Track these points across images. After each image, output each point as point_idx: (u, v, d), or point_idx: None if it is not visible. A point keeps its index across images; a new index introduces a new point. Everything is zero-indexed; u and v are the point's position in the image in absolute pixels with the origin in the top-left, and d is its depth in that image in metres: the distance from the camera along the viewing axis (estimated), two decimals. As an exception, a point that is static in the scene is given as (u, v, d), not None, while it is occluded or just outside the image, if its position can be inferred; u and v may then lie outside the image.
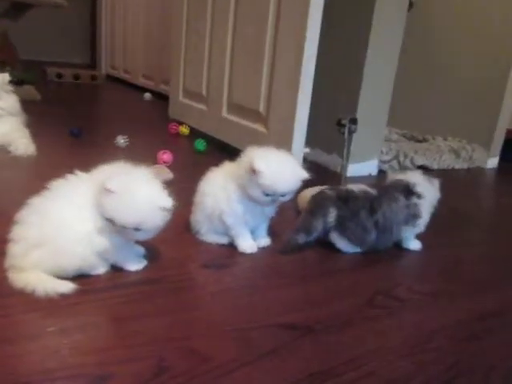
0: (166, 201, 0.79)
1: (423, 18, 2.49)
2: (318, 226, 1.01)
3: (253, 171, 0.90)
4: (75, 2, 4.13)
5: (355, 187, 1.06)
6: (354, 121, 1.59)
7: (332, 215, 1.01)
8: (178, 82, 2.30)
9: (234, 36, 1.83)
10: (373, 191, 1.05)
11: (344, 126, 1.57)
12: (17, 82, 1.71)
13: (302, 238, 1.01)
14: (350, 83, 1.71)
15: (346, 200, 1.02)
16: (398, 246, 1.10)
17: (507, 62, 2.17)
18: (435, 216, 1.10)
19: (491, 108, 2.25)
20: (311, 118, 1.60)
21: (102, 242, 0.80)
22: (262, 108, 1.66)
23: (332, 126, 1.71)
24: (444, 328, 0.80)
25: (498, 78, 2.21)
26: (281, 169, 0.92)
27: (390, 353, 0.70)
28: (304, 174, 0.94)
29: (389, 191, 1.06)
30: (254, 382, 0.60)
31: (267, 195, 0.92)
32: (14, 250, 0.77)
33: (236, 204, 0.96)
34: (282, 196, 0.93)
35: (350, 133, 1.59)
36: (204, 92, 2.07)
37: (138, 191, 0.78)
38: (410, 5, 2.38)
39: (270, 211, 1.01)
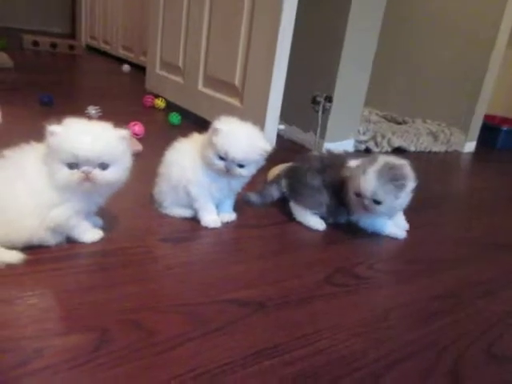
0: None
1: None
2: (272, 190, 1.10)
3: (211, 131, 0.90)
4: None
5: (317, 153, 1.10)
6: (329, 98, 1.57)
7: (284, 183, 1.09)
8: (155, 53, 2.24)
9: (212, 8, 1.77)
10: (329, 156, 1.07)
11: (319, 103, 1.54)
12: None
13: (254, 198, 1.11)
14: (328, 61, 1.68)
15: (296, 167, 1.08)
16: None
17: (488, 46, 2.15)
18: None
19: (470, 92, 2.24)
20: (288, 95, 1.57)
21: (58, 216, 0.77)
22: (237, 82, 1.62)
23: (309, 104, 1.68)
24: (400, 306, 0.79)
25: (478, 62, 2.20)
26: (238, 133, 0.91)
27: (343, 330, 0.70)
28: (265, 146, 0.92)
29: (344, 158, 1.03)
30: (198, 359, 0.58)
31: (221, 159, 0.91)
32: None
33: (201, 173, 0.94)
34: (240, 166, 0.91)
35: (325, 110, 1.56)
36: (180, 64, 2.02)
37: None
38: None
39: (236, 185, 0.99)
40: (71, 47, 3.71)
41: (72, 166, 0.74)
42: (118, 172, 0.78)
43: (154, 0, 2.19)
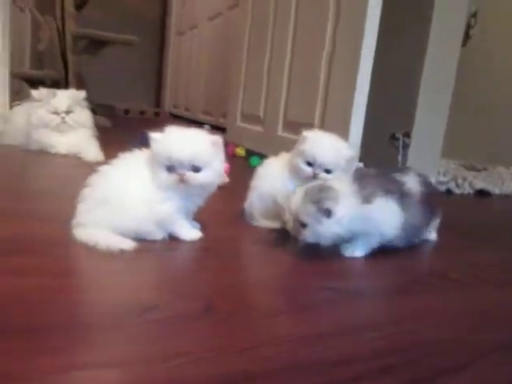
0: None
1: (482, 47, 2.49)
2: None
3: (300, 140, 0.97)
4: (143, 52, 4.48)
5: None
6: (407, 134, 1.59)
7: None
8: (236, 107, 2.41)
9: (293, 56, 1.91)
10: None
11: (398, 139, 1.58)
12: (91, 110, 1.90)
13: None
14: (405, 101, 1.72)
15: None
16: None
17: None
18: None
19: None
20: (366, 136, 1.61)
21: (162, 210, 0.84)
22: (316, 121, 1.71)
23: (387, 144, 1.71)
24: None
25: None
26: (324, 140, 0.98)
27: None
28: (351, 153, 0.98)
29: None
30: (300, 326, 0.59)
31: (308, 165, 0.96)
32: (80, 207, 0.83)
33: (289, 183, 0.99)
34: (327, 172, 0.96)
35: (404, 147, 1.58)
36: (261, 114, 2.15)
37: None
38: (467, 37, 2.40)
39: None
40: (156, 114, 4.09)
41: (170, 168, 0.83)
42: (209, 174, 0.85)
43: (237, 56, 2.40)
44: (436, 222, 1.05)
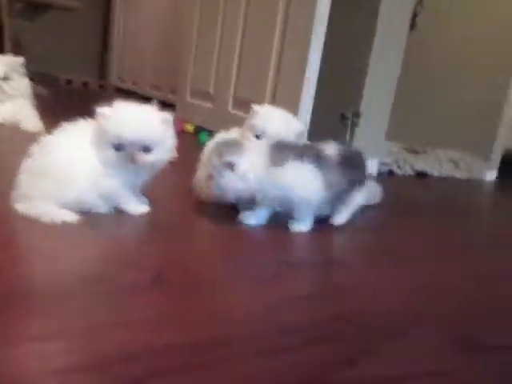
0: None
1: (426, 35, 2.58)
2: None
3: (250, 114, 1.02)
4: (87, 19, 4.25)
5: None
6: (356, 114, 1.64)
7: None
8: (186, 83, 2.36)
9: (244, 37, 1.89)
10: None
11: (347, 118, 1.62)
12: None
13: None
14: (353, 82, 1.76)
15: None
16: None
17: (506, 75, 2.23)
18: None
19: (490, 121, 2.30)
20: (315, 115, 1.64)
21: (106, 184, 0.82)
22: (267, 99, 1.71)
23: (335, 122, 1.75)
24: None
25: (497, 91, 2.27)
26: (274, 114, 1.03)
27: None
28: (300, 126, 1.05)
29: None
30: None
31: (258, 138, 0.99)
32: (22, 180, 0.79)
33: None
34: None
35: (353, 126, 1.63)
36: (212, 90, 2.13)
37: None
38: (414, 24, 2.48)
39: None
40: (101, 86, 3.92)
41: (118, 148, 0.80)
42: (160, 154, 0.83)
43: (187, 30, 2.34)
44: (362, 187, 1.00)
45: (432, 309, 0.68)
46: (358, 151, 1.02)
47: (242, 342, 0.50)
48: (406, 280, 0.78)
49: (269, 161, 0.85)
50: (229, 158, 0.82)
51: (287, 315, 0.58)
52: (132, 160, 0.80)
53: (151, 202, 0.92)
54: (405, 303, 0.68)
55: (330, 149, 0.92)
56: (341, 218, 0.99)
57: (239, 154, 0.83)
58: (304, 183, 0.87)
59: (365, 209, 1.21)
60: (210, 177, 0.85)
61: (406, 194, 1.68)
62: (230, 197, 0.86)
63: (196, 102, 2.29)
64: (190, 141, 1.95)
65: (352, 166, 0.94)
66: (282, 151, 0.87)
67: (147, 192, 0.92)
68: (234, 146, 0.85)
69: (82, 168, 0.80)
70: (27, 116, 1.63)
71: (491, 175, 2.36)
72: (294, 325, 0.55)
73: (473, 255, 1.01)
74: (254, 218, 0.90)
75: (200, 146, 1.12)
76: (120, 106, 0.82)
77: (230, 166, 0.83)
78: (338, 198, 0.94)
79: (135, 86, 4.03)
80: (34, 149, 0.81)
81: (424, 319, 0.64)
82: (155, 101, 0.87)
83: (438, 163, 2.16)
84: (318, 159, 0.88)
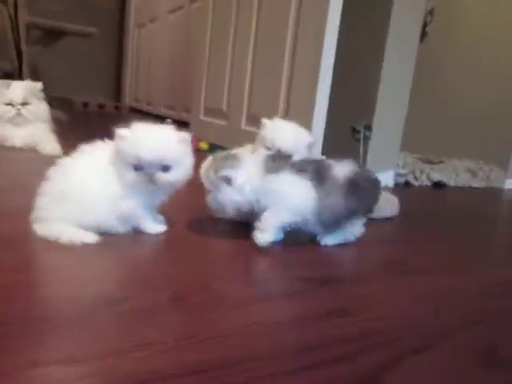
0: None
1: (437, 44, 2.57)
2: None
3: (260, 128, 1.04)
4: (102, 44, 4.36)
5: None
6: (368, 127, 1.63)
7: None
8: (200, 101, 2.40)
9: (255, 54, 1.92)
10: None
11: (359, 132, 1.61)
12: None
13: None
14: (365, 96, 1.76)
15: None
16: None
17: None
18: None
19: (508, 129, 2.27)
20: (328, 130, 1.64)
21: (125, 205, 0.82)
22: (279, 114, 1.72)
23: (347, 136, 1.74)
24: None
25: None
26: (283, 126, 1.04)
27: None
28: (310, 138, 1.05)
29: None
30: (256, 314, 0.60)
31: (268, 149, 1.01)
32: (40, 201, 0.80)
33: None
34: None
35: (365, 139, 1.62)
36: (224, 107, 2.15)
37: None
38: (424, 34, 2.48)
39: None
40: (117, 108, 3.99)
41: (137, 167, 0.81)
42: (178, 173, 0.84)
43: (199, 50, 2.38)
44: (362, 219, 0.94)
45: (455, 321, 0.66)
46: (371, 177, 0.91)
47: (263, 361, 0.49)
48: (428, 293, 0.76)
49: (264, 170, 0.84)
50: (225, 173, 0.82)
51: (308, 332, 0.57)
52: (151, 180, 0.81)
53: (167, 221, 0.93)
54: (427, 316, 0.67)
55: (341, 169, 0.86)
56: (330, 240, 0.92)
57: (235, 167, 0.82)
58: (296, 194, 0.83)
59: (383, 221, 1.21)
60: (208, 191, 0.85)
61: (423, 205, 1.66)
62: (229, 210, 0.86)
63: (209, 119, 2.31)
64: (205, 158, 1.97)
65: (358, 193, 0.86)
66: (279, 162, 0.85)
67: (163, 210, 0.92)
68: (229, 159, 0.84)
69: (100, 190, 0.81)
70: (45, 139, 1.66)
71: (510, 184, 2.32)
72: (316, 342, 0.54)
73: (493, 265, 0.99)
74: (266, 237, 0.86)
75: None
76: (138, 127, 0.84)
77: (227, 180, 0.83)
78: (333, 223, 0.88)
79: (150, 107, 4.11)
80: (53, 171, 0.82)
81: (448, 332, 0.62)
82: (169, 120, 0.88)
83: (455, 173, 2.14)
84: (319, 177, 0.84)
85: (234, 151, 0.87)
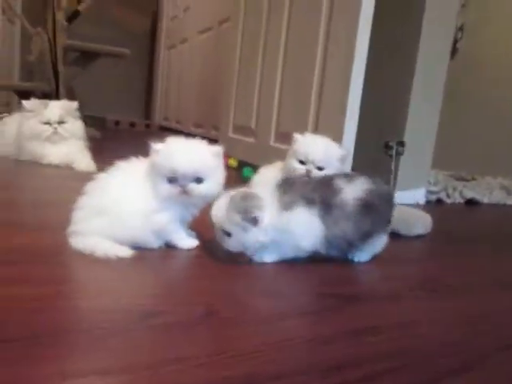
0: None
1: (468, 58, 2.54)
2: None
3: (293, 142, 1.06)
4: (134, 65, 4.49)
5: None
6: (401, 143, 1.61)
7: None
8: (228, 119, 2.43)
9: (284, 70, 1.93)
10: None
11: (391, 148, 1.59)
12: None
13: None
14: (396, 112, 1.75)
15: None
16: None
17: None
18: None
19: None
20: (359, 144, 1.63)
21: (159, 219, 0.84)
22: (309, 131, 1.72)
23: (378, 152, 1.73)
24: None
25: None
26: (315, 139, 1.07)
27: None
28: (341, 151, 1.07)
29: None
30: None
31: (301, 163, 1.03)
32: (77, 216, 0.83)
33: None
34: (319, 169, 1.01)
35: (398, 155, 1.60)
36: (253, 125, 2.17)
37: None
38: (455, 51, 2.46)
39: None
40: (147, 126, 4.08)
41: (171, 180, 0.83)
42: (211, 186, 0.86)
43: (229, 68, 2.42)
44: (384, 232, 0.92)
45: (493, 342, 0.64)
46: (384, 193, 0.89)
47: (292, 378, 0.49)
48: (462, 312, 0.74)
49: (279, 207, 0.82)
50: (254, 214, 0.79)
51: (338, 350, 0.56)
52: (185, 191, 0.82)
53: (198, 236, 0.93)
54: (463, 336, 0.65)
55: (351, 190, 0.83)
56: (362, 256, 0.91)
57: (262, 207, 0.80)
58: (304, 233, 0.82)
59: (414, 238, 1.18)
60: (227, 234, 0.81)
61: (456, 222, 1.62)
62: (251, 250, 0.84)
63: (238, 136, 2.33)
64: (234, 176, 1.98)
65: (371, 214, 0.84)
66: (290, 194, 0.83)
67: (193, 226, 0.93)
68: (253, 199, 0.80)
69: (135, 205, 0.83)
70: (81, 157, 1.72)
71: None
72: (345, 360, 0.53)
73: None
74: (267, 256, 0.86)
75: (244, 180, 1.14)
76: (172, 141, 0.86)
77: (254, 222, 0.79)
78: (348, 247, 0.88)
79: (179, 125, 4.19)
80: (89, 186, 0.85)
81: (486, 353, 0.60)
82: (199, 137, 0.90)
83: (488, 190, 2.09)
84: (327, 207, 0.82)
85: (250, 189, 0.84)
